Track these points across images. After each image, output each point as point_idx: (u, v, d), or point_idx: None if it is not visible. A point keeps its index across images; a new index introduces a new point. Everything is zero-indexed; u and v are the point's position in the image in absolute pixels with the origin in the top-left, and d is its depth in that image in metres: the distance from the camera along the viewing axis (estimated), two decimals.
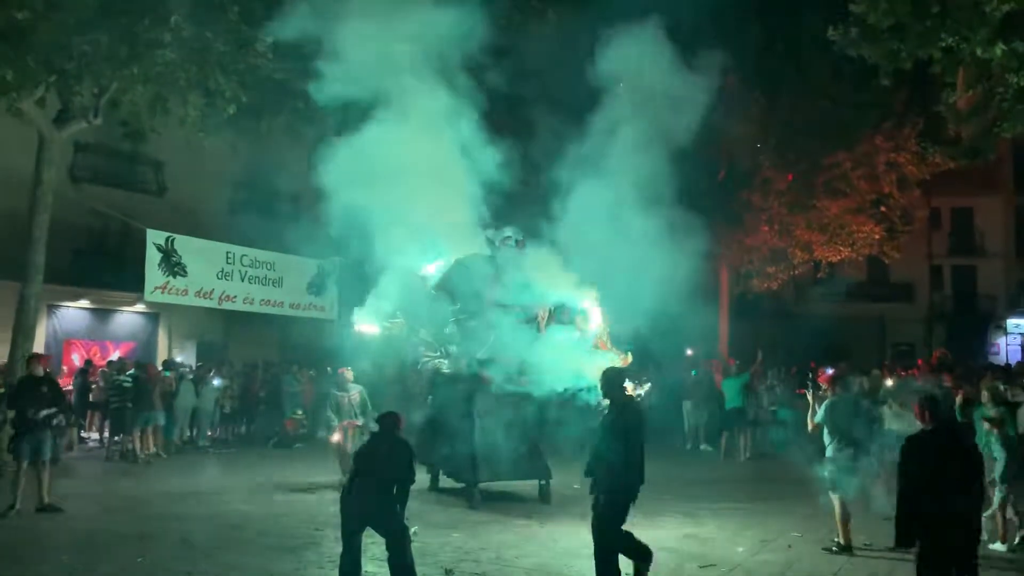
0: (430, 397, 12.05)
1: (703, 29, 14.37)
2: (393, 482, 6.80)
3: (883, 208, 22.93)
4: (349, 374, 12.29)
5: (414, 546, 8.29)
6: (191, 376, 17.32)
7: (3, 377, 13.33)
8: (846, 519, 8.72)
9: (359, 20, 10.60)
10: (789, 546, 8.90)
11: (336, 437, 11.85)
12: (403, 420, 7.31)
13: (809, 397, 9.61)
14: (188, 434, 17.26)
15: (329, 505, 10.12)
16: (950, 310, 34.26)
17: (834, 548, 8.64)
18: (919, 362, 20.36)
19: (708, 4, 14.61)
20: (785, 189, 22.41)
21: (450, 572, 7.53)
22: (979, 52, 10.82)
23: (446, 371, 11.69)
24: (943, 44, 11.31)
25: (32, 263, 13.73)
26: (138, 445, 14.83)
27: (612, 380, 7.05)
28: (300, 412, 17.68)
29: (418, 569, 7.52)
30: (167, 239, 16.53)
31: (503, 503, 10.96)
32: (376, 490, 6.72)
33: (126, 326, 21.58)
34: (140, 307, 20.91)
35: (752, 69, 20.30)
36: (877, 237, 23.02)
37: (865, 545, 8.73)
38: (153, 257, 16.14)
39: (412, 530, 8.77)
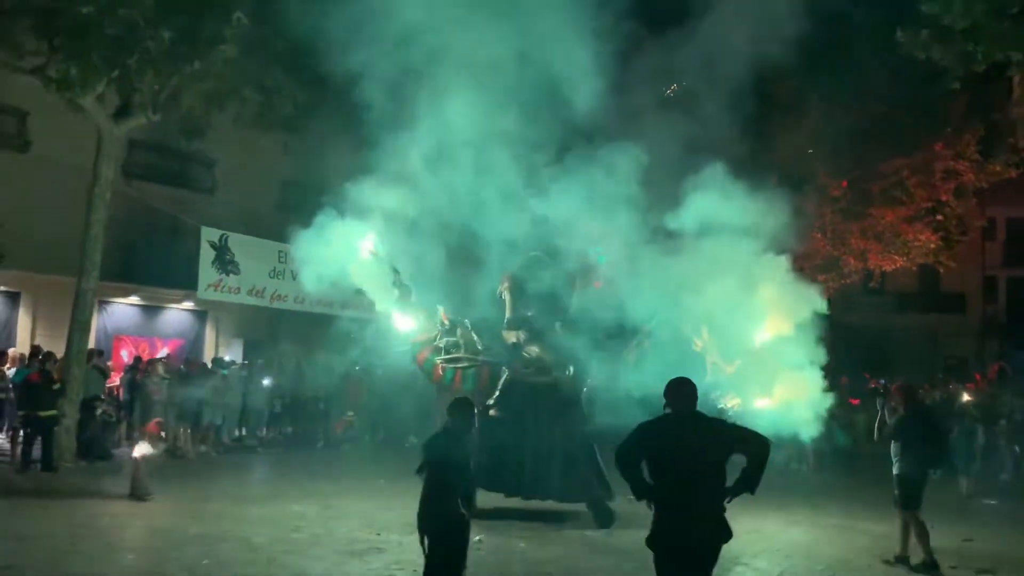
0: (495, 409, 10.49)
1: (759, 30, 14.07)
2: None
3: (939, 216, 22.31)
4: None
5: (479, 554, 8.13)
6: (244, 373, 17.26)
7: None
8: (924, 535, 8.34)
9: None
10: (868, 565, 8.55)
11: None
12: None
13: (879, 408, 9.34)
14: (237, 433, 17.22)
15: (385, 511, 9.95)
16: (1004, 323, 33.32)
17: (921, 566, 8.26)
18: (976, 376, 19.80)
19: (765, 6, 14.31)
20: (839, 196, 21.91)
21: None
22: None
23: (540, 377, 10.47)
24: None
25: (88, 258, 13.73)
26: (188, 443, 14.80)
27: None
28: (350, 413, 17.58)
29: None
30: (221, 237, 16.51)
31: (560, 512, 10.28)
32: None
33: (174, 323, 21.69)
34: (188, 304, 21.00)
35: (808, 73, 19.82)
36: (933, 246, 22.41)
37: (951, 568, 8.35)
38: (207, 254, 16.12)
39: (477, 539, 8.59)
